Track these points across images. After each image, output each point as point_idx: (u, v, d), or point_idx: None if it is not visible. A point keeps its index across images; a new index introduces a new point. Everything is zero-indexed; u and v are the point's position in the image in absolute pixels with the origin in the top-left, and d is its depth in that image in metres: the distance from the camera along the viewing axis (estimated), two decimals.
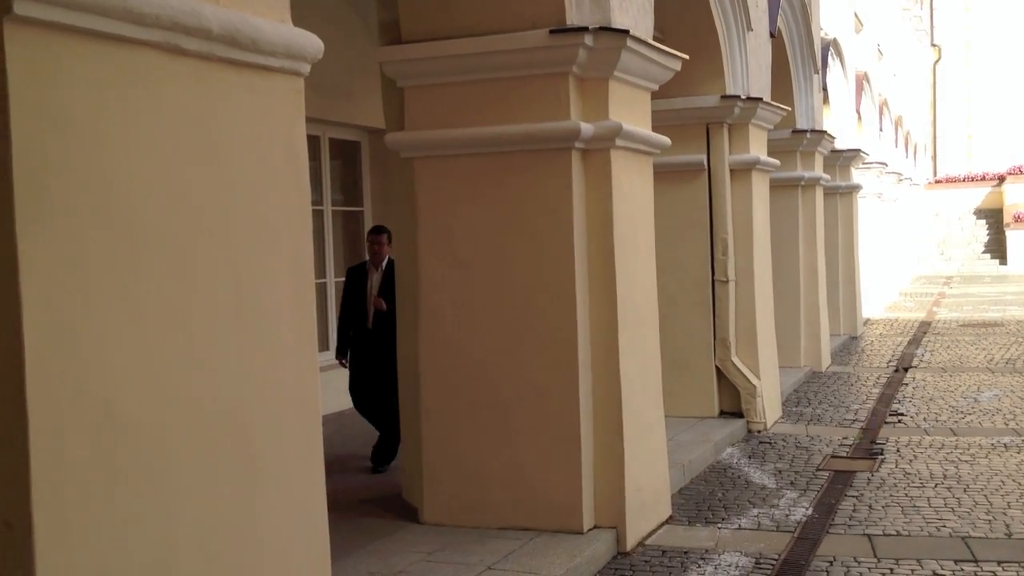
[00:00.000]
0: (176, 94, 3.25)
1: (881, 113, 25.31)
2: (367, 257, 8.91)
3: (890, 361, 15.46)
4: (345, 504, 7.26)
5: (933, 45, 46.97)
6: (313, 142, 11.32)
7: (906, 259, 31.96)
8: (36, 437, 2.73)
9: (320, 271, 11.64)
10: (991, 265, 36.79)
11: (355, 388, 8.70)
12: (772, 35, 11.70)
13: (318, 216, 11.35)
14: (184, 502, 3.24)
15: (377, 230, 8.80)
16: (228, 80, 3.46)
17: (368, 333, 8.61)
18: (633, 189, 7.08)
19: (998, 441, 9.67)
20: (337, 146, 12.19)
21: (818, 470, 8.81)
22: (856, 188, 18.25)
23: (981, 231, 39.36)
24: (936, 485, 8.16)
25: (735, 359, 10.43)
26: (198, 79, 3.33)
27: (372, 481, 8.25)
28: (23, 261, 2.72)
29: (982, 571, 6.16)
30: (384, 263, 8.61)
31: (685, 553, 6.67)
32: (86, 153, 2.93)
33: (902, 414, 11.22)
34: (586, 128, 6.55)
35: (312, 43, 3.79)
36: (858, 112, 20.64)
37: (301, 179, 3.84)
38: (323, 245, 11.70)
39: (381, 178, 12.36)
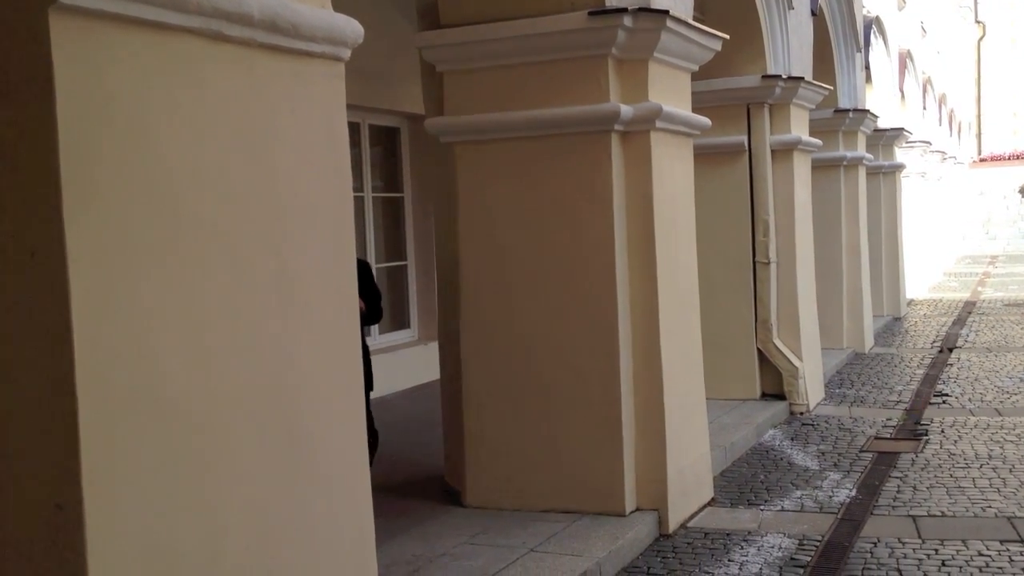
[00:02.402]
0: (218, 80, 3.27)
1: (925, 91, 25.01)
2: None
3: (934, 342, 15.32)
4: (388, 487, 7.30)
5: (977, 22, 46.32)
6: (353, 129, 11.36)
7: (950, 239, 31.60)
8: (86, 420, 2.77)
9: (361, 256, 11.69)
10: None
11: None
12: (813, 13, 11.58)
13: (359, 202, 11.39)
14: (231, 484, 3.28)
15: None
16: (269, 66, 3.48)
17: None
18: (673, 171, 7.05)
19: None
20: (377, 132, 12.22)
21: (861, 451, 8.76)
22: (899, 167, 18.06)
23: None
24: (981, 466, 8.09)
25: (777, 341, 10.38)
26: (240, 65, 3.35)
27: (414, 465, 8.29)
28: (71, 247, 2.75)
29: None
30: None
31: (728, 535, 6.66)
32: (131, 140, 2.97)
33: (947, 395, 11.13)
34: (626, 110, 6.53)
35: (352, 28, 3.80)
36: (901, 91, 20.41)
37: (342, 164, 3.86)
38: (364, 231, 11.73)
39: (421, 164, 12.38)
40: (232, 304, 3.31)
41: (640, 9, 6.48)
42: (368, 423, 6.70)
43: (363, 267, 6.67)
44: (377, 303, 6.84)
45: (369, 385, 6.67)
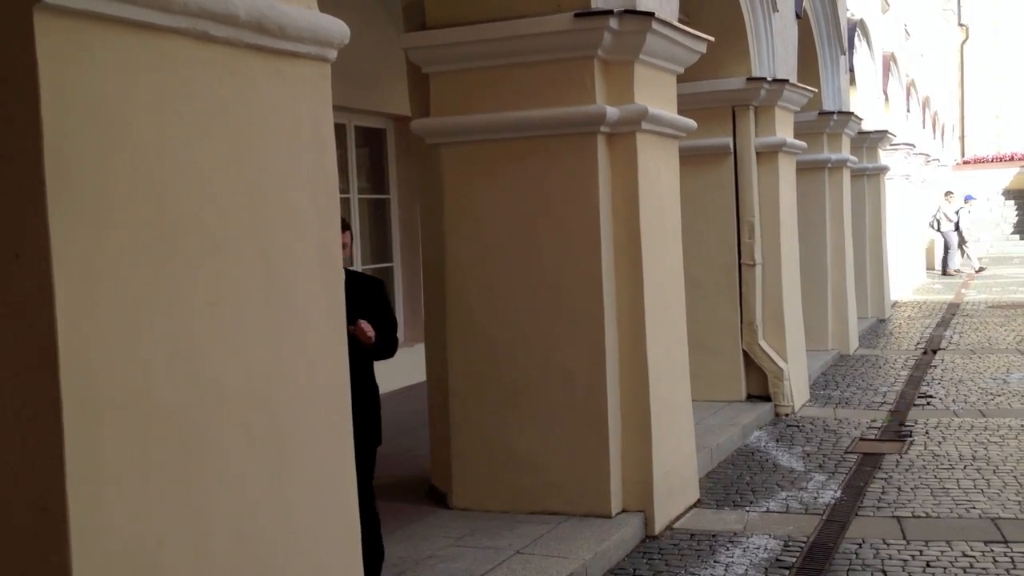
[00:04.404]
0: (204, 81, 3.26)
1: (908, 94, 25.09)
2: None
3: (918, 343, 15.38)
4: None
5: (960, 25, 46.46)
6: (339, 130, 11.33)
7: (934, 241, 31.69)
8: (70, 422, 2.75)
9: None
10: (1020, 246, 36.41)
11: None
12: (798, 16, 11.62)
13: (345, 204, 11.37)
14: (217, 485, 3.27)
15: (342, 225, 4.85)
16: (256, 66, 3.47)
17: None
18: (659, 173, 7.06)
19: None
20: (363, 134, 12.21)
21: (846, 453, 8.79)
22: (883, 170, 18.12)
23: (1010, 212, 38.91)
24: (965, 467, 8.12)
25: (762, 342, 10.40)
26: (226, 66, 3.34)
27: (400, 467, 8.27)
28: (55, 247, 2.74)
29: (1012, 552, 6.14)
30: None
31: (713, 536, 6.67)
32: (116, 141, 2.95)
33: (931, 396, 11.17)
34: (612, 112, 6.54)
35: (338, 28, 3.79)
36: (885, 93, 20.47)
37: (328, 165, 3.85)
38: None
39: (407, 165, 12.37)
40: (218, 305, 3.30)
41: (626, 11, 6.49)
42: (372, 533, 5.12)
43: (374, 286, 5.47)
44: (392, 332, 5.40)
45: (377, 438, 5.48)
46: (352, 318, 4.90)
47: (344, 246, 4.88)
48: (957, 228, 28.30)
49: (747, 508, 7.28)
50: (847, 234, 14.57)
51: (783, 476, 8.10)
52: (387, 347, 5.33)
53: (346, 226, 5.01)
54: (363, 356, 5.17)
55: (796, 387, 10.70)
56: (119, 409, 2.93)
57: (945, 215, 28.24)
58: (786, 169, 10.94)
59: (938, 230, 28.47)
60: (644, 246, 6.73)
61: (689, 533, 6.78)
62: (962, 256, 28.57)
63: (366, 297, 5.27)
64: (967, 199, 30.26)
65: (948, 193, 29.47)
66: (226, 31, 3.28)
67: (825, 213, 13.79)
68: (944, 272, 28.07)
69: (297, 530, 3.61)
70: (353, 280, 5.18)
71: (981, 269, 28.59)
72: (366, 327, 5.11)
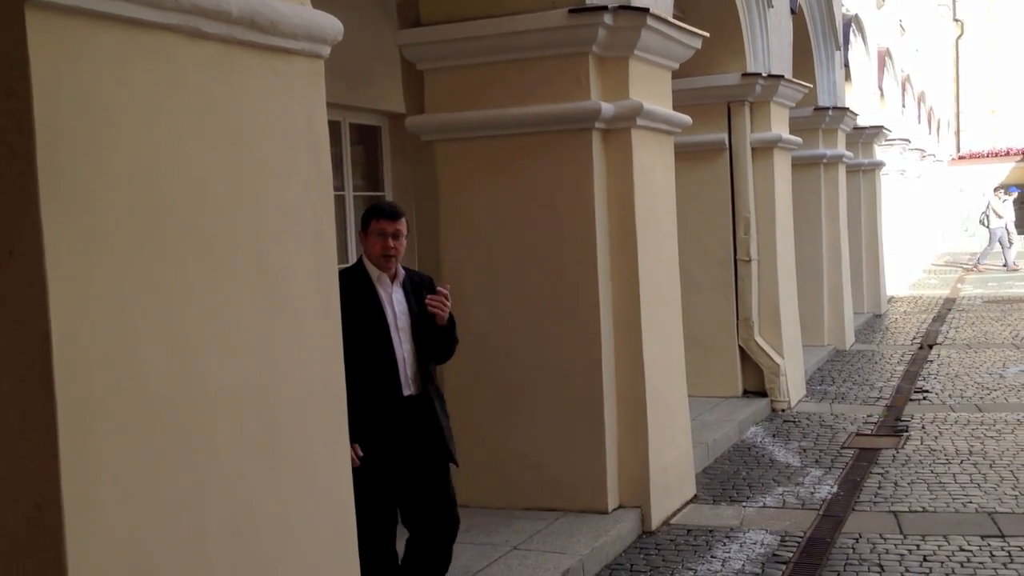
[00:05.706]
0: (197, 78, 3.25)
1: (903, 89, 25.11)
2: (372, 256, 4.85)
3: (914, 338, 15.38)
4: None
5: (955, 20, 46.50)
6: (334, 128, 11.28)
7: (930, 236, 31.72)
8: (64, 419, 2.75)
9: (343, 257, 11.63)
10: (1017, 241, 36.44)
11: (378, 507, 4.81)
12: (793, 11, 11.62)
13: (340, 202, 11.33)
14: (212, 483, 3.26)
15: (392, 212, 4.83)
16: (248, 63, 3.45)
17: (405, 404, 4.85)
18: (654, 169, 7.06)
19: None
20: (358, 131, 12.16)
21: (843, 448, 8.79)
22: (879, 165, 18.13)
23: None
24: (962, 461, 8.13)
25: (758, 338, 10.41)
26: (219, 62, 3.33)
27: None
28: (48, 245, 2.73)
29: (1009, 546, 6.15)
30: (401, 272, 4.92)
31: (710, 531, 6.68)
32: (108, 138, 2.94)
33: (927, 391, 11.18)
34: (606, 108, 6.53)
35: (332, 25, 3.78)
36: (880, 88, 20.48)
37: (322, 162, 3.84)
38: (345, 231, 11.69)
39: (402, 163, 12.35)
40: (211, 303, 3.29)
41: (620, 7, 6.48)
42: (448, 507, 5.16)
43: (430, 283, 5.11)
44: (451, 331, 5.06)
45: (451, 455, 5.20)
46: (418, 314, 4.87)
47: (397, 234, 4.78)
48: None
49: (744, 503, 7.29)
50: (843, 230, 14.57)
51: (779, 471, 8.11)
52: (446, 349, 5.10)
53: (400, 213, 4.85)
54: (426, 358, 4.98)
55: (792, 383, 10.71)
56: (113, 408, 2.92)
57: (995, 211, 27.45)
58: (781, 165, 10.94)
59: (987, 226, 27.83)
60: (640, 242, 6.73)
61: (686, 528, 6.78)
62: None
63: (425, 294, 4.97)
64: (1011, 191, 29.85)
65: (998, 188, 28.91)
66: (218, 27, 3.27)
67: (821, 209, 13.79)
68: (1009, 267, 26.97)
69: (293, 529, 3.60)
70: (411, 276, 5.02)
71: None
72: (439, 302, 4.83)
